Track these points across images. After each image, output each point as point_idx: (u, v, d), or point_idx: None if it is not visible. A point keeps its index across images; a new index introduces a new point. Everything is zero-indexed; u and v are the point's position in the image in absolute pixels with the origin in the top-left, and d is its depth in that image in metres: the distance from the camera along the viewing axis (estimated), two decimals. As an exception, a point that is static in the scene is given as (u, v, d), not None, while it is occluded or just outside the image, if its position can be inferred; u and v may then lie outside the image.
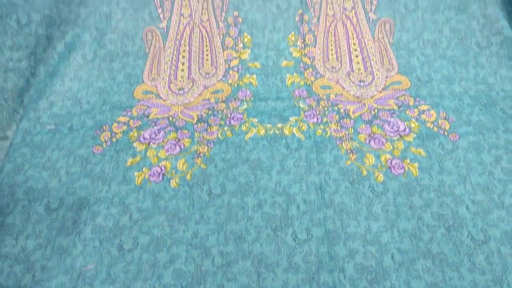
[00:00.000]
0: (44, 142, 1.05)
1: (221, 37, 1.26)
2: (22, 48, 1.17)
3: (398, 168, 0.96)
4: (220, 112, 1.12)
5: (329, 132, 1.04)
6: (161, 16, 1.25)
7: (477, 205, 0.89)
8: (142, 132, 1.06)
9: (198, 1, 1.25)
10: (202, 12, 1.25)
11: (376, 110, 1.10)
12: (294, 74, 1.21)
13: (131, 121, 1.10)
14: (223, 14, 1.26)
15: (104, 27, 1.24)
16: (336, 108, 1.11)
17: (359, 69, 1.21)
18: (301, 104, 1.13)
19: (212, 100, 1.16)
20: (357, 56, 1.23)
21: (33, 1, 1.18)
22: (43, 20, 1.19)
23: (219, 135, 1.05)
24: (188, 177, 0.96)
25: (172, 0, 1.26)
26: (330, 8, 1.26)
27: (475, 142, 1.00)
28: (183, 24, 1.25)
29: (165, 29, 1.25)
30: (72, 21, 1.23)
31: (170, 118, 1.10)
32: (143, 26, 1.25)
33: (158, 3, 1.25)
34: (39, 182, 0.96)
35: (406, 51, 1.23)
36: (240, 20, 1.26)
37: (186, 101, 1.16)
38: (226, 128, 1.06)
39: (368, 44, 1.24)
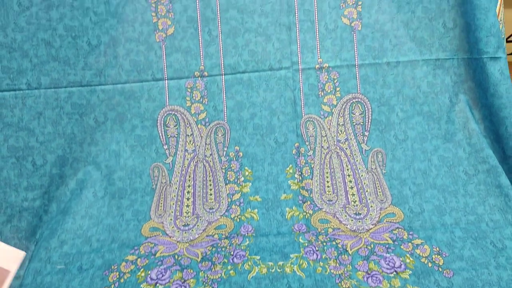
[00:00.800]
0: (54, 284, 1.08)
1: (224, 171, 1.33)
2: (37, 188, 1.24)
3: (396, 308, 0.99)
4: (223, 249, 1.16)
5: (328, 270, 1.08)
6: (167, 152, 1.34)
7: None
8: (149, 272, 1.10)
9: (201, 137, 1.34)
10: (205, 148, 1.34)
11: (372, 245, 1.15)
12: (293, 207, 1.27)
13: (139, 259, 1.14)
14: (225, 149, 1.35)
15: (114, 165, 1.32)
16: (334, 243, 1.16)
17: (355, 201, 1.27)
18: (300, 240, 1.18)
19: (216, 237, 1.21)
20: (352, 188, 1.30)
21: (48, 144, 1.27)
22: (57, 161, 1.27)
23: (223, 274, 1.08)
24: (194, 321, 0.99)
25: (177, 136, 1.35)
26: (324, 141, 1.35)
27: (469, 278, 1.03)
28: (188, 159, 1.33)
29: (170, 165, 1.33)
30: (84, 159, 1.31)
31: (176, 256, 1.15)
32: (150, 163, 1.33)
33: (164, 140, 1.34)
34: (48, 328, 0.99)
35: (398, 181, 1.30)
36: (241, 155, 1.35)
37: (191, 238, 1.21)
38: (229, 267, 1.10)
39: (362, 175, 1.31)
